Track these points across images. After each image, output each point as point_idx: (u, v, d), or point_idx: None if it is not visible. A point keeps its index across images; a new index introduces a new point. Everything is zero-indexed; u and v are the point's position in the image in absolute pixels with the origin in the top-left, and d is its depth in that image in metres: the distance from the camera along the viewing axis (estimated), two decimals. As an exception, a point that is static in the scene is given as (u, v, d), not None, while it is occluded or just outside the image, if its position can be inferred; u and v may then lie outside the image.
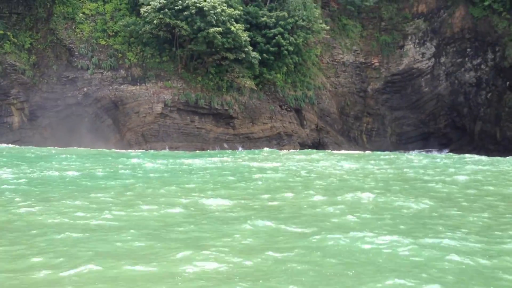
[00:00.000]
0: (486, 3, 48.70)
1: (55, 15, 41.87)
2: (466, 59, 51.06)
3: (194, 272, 7.25)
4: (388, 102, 52.56)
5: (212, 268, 7.36)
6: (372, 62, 52.84)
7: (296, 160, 28.27)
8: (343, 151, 41.94)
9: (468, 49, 50.96)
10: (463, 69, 51.07)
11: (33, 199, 13.37)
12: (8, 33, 40.58)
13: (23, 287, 6.64)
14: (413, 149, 50.08)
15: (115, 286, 6.60)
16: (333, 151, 41.54)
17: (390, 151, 48.77)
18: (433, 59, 52.13)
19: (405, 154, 39.39)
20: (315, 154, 33.30)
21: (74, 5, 42.36)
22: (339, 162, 26.61)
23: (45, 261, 7.69)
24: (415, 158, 32.04)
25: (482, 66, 50.40)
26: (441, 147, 50.72)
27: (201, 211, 12.30)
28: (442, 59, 51.91)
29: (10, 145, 36.31)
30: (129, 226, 10.33)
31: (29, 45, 41.20)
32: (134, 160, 25.78)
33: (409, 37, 52.81)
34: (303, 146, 46.01)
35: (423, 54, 52.40)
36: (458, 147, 49.78)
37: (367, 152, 42.85)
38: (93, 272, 7.10)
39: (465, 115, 50.59)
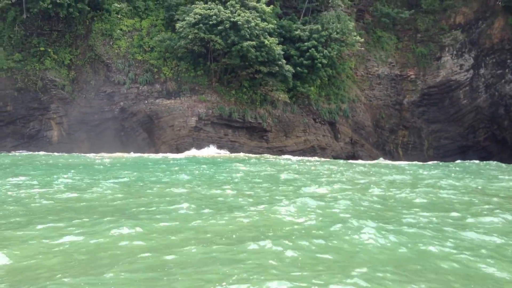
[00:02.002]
0: (526, 13, 47.35)
1: (94, 32, 43.03)
2: (506, 70, 49.67)
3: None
4: (424, 115, 51.49)
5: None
6: (408, 74, 51.98)
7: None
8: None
9: (508, 60, 49.58)
10: (503, 80, 49.66)
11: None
12: (49, 50, 41.92)
13: None
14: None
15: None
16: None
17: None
18: (471, 71, 50.88)
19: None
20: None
21: (112, 22, 43.46)
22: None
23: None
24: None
25: (523, 77, 48.87)
26: (480, 160, 49.17)
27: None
28: (481, 71, 50.61)
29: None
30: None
31: (69, 61, 42.41)
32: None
33: (446, 49, 51.76)
34: (337, 159, 45.41)
35: (461, 65, 51.21)
36: (498, 161, 48.14)
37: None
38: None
39: (506, 127, 49.06)
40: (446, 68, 51.49)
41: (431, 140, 51.33)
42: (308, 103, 46.50)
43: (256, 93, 44.17)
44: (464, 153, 50.10)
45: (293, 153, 43.92)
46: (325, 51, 44.40)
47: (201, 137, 41.53)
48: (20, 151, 38.94)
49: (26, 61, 41.49)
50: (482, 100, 50.43)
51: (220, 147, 41.41)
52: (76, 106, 41.75)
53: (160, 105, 41.92)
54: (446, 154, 50.30)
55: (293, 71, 42.95)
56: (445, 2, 51.97)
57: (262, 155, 41.05)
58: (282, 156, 41.29)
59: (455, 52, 51.57)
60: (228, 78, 43.98)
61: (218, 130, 42.42)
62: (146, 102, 42.07)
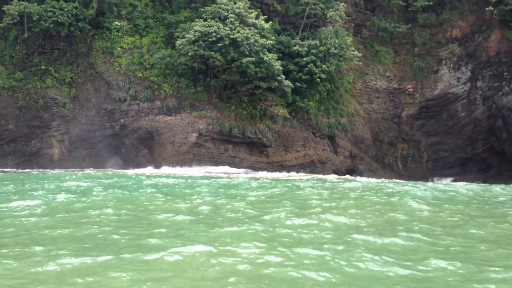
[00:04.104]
0: (522, 26, 47.89)
1: (95, 50, 43.48)
2: (504, 82, 50.04)
3: None
4: (423, 128, 51.82)
5: None
6: (406, 88, 52.40)
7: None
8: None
9: (505, 73, 49.98)
10: (500, 93, 50.03)
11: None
12: (50, 68, 42.33)
13: None
14: (450, 175, 49.01)
15: None
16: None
17: (427, 177, 48.01)
18: (469, 84, 51.29)
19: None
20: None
21: (113, 40, 43.93)
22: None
23: None
24: None
25: (521, 90, 49.26)
26: (480, 172, 49.44)
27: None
28: (479, 83, 51.03)
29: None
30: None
31: (70, 79, 42.80)
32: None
33: (444, 62, 52.23)
34: (337, 173, 45.59)
35: (458, 78, 51.65)
36: (497, 173, 48.44)
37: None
38: None
39: (504, 139, 49.30)
40: (444, 81, 51.93)
41: (430, 153, 51.58)
42: (307, 117, 46.83)
43: (256, 108, 44.52)
44: (464, 165, 50.33)
45: (293, 167, 44.15)
46: (324, 66, 44.82)
47: (201, 153, 41.78)
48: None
49: (28, 80, 41.89)
50: (480, 112, 50.77)
51: (221, 162, 41.64)
52: (77, 124, 42.06)
53: (161, 122, 42.24)
54: (445, 166, 50.54)
55: (292, 86, 43.33)
56: (442, 16, 52.58)
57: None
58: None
59: (452, 65, 52.04)
60: (228, 94, 44.36)
61: (218, 146, 42.69)
62: (147, 118, 42.40)
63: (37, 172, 35.57)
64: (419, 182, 37.10)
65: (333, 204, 19.11)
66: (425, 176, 48.86)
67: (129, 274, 8.81)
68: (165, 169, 38.90)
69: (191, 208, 17.25)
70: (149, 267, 9.35)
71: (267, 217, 15.31)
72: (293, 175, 39.75)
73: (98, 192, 21.19)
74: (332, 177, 39.11)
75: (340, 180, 34.20)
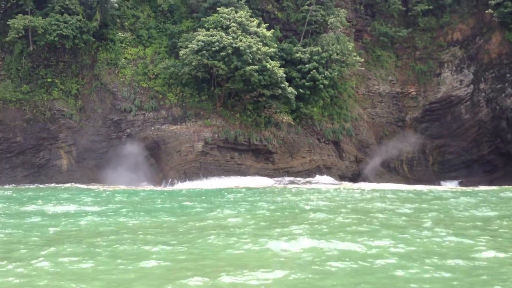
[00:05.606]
0: (523, 28, 48.17)
1: (99, 62, 43.96)
2: (506, 84, 50.25)
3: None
4: (427, 131, 51.96)
5: None
6: (409, 91, 52.63)
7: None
8: None
9: (508, 75, 50.19)
10: (503, 94, 50.21)
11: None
12: (56, 81, 42.81)
13: None
14: (456, 178, 49.10)
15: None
16: None
17: (433, 180, 48.09)
18: (471, 86, 51.50)
19: None
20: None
21: (117, 51, 44.42)
22: None
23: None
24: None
25: (524, 91, 49.44)
26: (485, 174, 49.48)
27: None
28: (481, 85, 51.24)
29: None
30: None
31: (76, 91, 43.26)
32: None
33: (446, 65, 52.50)
34: (342, 178, 45.78)
35: (461, 81, 51.87)
36: (503, 174, 48.47)
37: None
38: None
39: (509, 141, 49.42)
40: (446, 84, 52.15)
41: (436, 156, 51.66)
42: (311, 123, 47.09)
43: (260, 115, 44.81)
44: (469, 167, 50.37)
45: (299, 173, 44.32)
46: (326, 72, 45.15)
47: (208, 161, 42.02)
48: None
49: (34, 92, 42.36)
50: (483, 114, 50.92)
51: (228, 170, 41.84)
52: (84, 135, 42.44)
53: (167, 131, 42.56)
54: (451, 169, 50.58)
55: (296, 93, 43.61)
56: (442, 20, 52.92)
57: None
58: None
59: (454, 68, 52.28)
60: (232, 102, 44.68)
61: (224, 153, 42.94)
62: (153, 128, 42.72)
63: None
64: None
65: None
66: (431, 179, 48.97)
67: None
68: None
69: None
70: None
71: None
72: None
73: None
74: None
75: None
